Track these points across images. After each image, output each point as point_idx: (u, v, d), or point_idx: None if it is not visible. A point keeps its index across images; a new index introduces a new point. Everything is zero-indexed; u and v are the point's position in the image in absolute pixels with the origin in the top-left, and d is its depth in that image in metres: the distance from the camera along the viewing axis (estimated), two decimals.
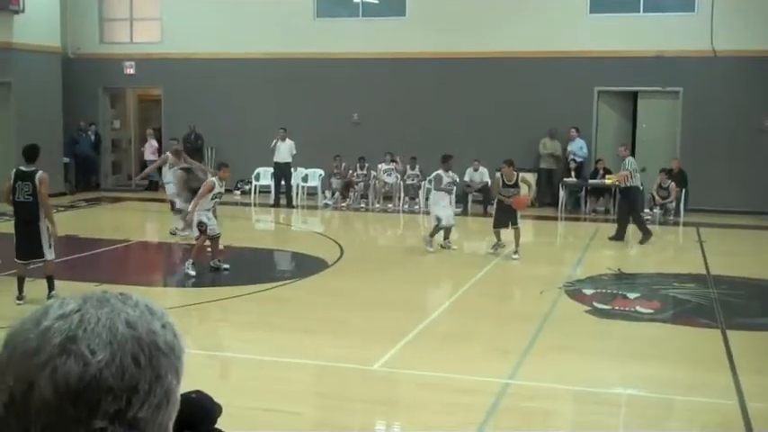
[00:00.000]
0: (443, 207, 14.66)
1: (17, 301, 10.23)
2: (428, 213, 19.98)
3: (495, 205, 14.81)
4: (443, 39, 20.94)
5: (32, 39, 20.77)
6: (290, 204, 20.70)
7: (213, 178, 12.67)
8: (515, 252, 14.07)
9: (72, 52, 23.26)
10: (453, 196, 15.07)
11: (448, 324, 10.34)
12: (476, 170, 20.12)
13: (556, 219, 19.45)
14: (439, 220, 14.53)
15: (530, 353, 8.82)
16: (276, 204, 20.70)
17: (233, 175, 22.52)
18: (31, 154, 10.39)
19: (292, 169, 20.93)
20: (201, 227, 12.38)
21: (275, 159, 20.65)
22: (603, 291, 11.96)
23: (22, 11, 20.37)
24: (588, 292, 11.82)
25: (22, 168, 10.44)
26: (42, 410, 1.06)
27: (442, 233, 14.78)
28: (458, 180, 15.68)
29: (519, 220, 14.28)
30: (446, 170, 14.85)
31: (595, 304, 11.06)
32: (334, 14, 22.38)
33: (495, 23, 20.75)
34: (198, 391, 1.47)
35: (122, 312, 1.12)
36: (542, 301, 11.15)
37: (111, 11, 24.16)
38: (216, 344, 9.44)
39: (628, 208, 16.05)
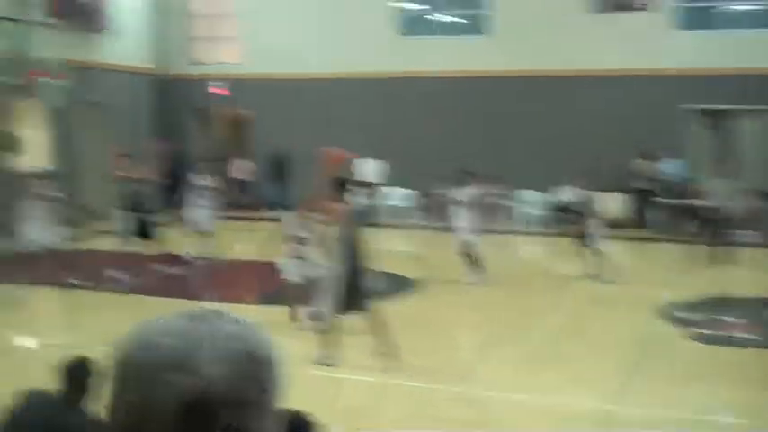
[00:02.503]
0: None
1: None
2: (509, 233, 19.77)
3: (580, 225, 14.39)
4: (527, 57, 20.70)
5: (123, 59, 21.19)
6: (374, 224, 20.59)
7: None
8: (604, 274, 13.68)
9: (162, 72, 23.66)
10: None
11: (541, 346, 10.05)
12: (566, 190, 19.72)
13: (649, 240, 18.91)
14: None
15: (631, 378, 8.50)
16: (365, 224, 20.61)
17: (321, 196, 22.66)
18: None
19: (378, 188, 20.87)
20: None
21: (362, 179, 20.60)
22: (703, 315, 11.51)
23: (112, 31, 20.80)
24: (687, 316, 11.39)
25: None
26: (160, 425, 1.10)
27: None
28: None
29: (600, 241, 13.89)
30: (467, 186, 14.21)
31: (695, 329, 10.65)
32: (417, 33, 22.33)
33: (580, 41, 20.42)
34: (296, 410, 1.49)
35: (225, 327, 1.16)
36: (639, 325, 10.78)
37: (198, 31, 24.55)
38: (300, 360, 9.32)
39: (717, 229, 15.53)
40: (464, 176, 14.15)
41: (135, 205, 14.05)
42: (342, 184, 9.37)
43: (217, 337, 1.14)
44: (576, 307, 12.26)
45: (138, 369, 1.12)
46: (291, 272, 10.59)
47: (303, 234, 10.62)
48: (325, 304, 8.96)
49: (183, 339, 1.13)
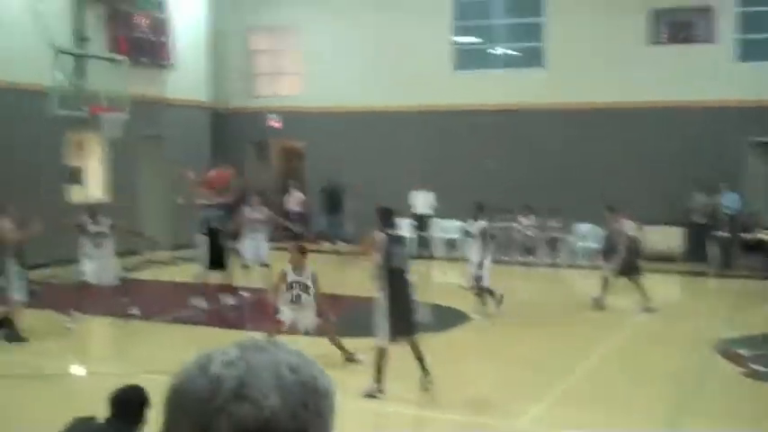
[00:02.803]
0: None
1: None
2: (570, 266, 19.60)
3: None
4: (584, 90, 20.61)
5: (183, 93, 21.65)
6: (429, 256, 20.61)
7: None
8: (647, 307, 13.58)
9: (220, 106, 24.09)
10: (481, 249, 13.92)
11: (593, 382, 9.92)
12: (620, 224, 19.48)
13: (706, 275, 18.58)
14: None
15: (682, 414, 8.35)
16: (416, 256, 20.65)
17: (371, 225, 22.79)
18: None
19: (431, 220, 20.88)
20: None
21: (414, 211, 20.65)
22: (759, 351, 11.25)
23: (173, 66, 21.29)
24: (744, 352, 11.14)
25: None
26: None
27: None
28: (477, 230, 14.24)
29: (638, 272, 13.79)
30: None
31: (752, 366, 10.41)
32: (473, 67, 22.39)
33: (638, 73, 20.25)
34: None
35: (284, 358, 1.17)
36: (693, 361, 10.59)
37: (257, 66, 24.97)
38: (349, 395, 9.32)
39: None
40: (476, 209, 14.02)
41: (212, 233, 13.99)
42: (386, 215, 9.41)
43: (277, 368, 1.15)
44: (629, 341, 12.08)
45: (199, 400, 1.13)
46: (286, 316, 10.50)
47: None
48: (377, 334, 8.96)
49: (244, 370, 1.14)
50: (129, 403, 5.07)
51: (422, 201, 20.67)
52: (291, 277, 10.39)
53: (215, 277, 14.14)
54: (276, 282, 10.73)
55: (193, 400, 1.14)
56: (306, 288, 10.36)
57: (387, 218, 9.39)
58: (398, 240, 9.42)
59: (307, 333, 10.30)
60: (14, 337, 11.29)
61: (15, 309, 11.36)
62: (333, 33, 23.16)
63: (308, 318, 10.42)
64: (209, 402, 1.12)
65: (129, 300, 12.67)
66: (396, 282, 8.91)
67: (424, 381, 8.92)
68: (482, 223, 13.99)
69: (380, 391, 8.81)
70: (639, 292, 13.87)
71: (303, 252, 10.59)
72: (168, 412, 1.17)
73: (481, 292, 13.65)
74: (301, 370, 1.17)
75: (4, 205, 11.58)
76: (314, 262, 10.86)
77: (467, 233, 13.85)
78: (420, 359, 8.95)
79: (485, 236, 13.85)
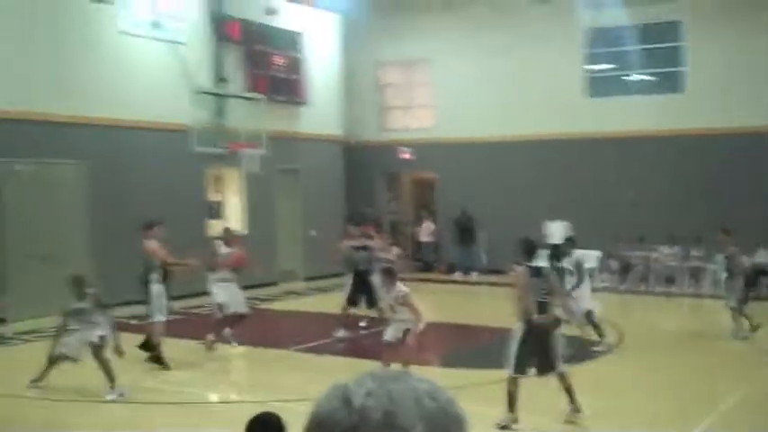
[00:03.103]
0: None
1: None
2: (712, 296, 18.84)
3: None
4: (724, 114, 19.83)
5: (317, 128, 22.13)
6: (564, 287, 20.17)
7: None
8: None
9: (353, 140, 24.47)
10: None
11: (740, 418, 9.41)
12: (761, 252, 18.62)
13: None
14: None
15: None
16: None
17: (505, 256, 22.61)
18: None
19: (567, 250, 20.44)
20: None
21: (548, 241, 20.29)
22: None
23: (308, 103, 21.82)
24: None
25: None
26: None
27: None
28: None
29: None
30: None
31: None
32: (607, 93, 21.95)
33: None
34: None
35: (420, 386, 1.19)
36: None
37: (389, 100, 25.28)
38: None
39: None
40: (567, 246, 13.60)
41: (359, 274, 14.21)
42: (528, 247, 9.32)
43: (417, 397, 1.17)
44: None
45: (346, 430, 1.15)
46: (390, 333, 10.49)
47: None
48: (507, 365, 8.84)
49: (388, 400, 1.15)
50: (265, 429, 5.08)
51: (557, 230, 20.30)
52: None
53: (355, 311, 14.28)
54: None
55: None
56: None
57: (529, 250, 9.32)
58: (539, 273, 9.26)
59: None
60: (157, 360, 11.63)
61: (156, 329, 11.67)
62: (463, 65, 23.19)
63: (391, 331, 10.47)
64: None
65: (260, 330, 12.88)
66: (534, 313, 8.79)
67: (570, 413, 8.77)
68: (575, 257, 13.63)
69: (515, 421, 8.66)
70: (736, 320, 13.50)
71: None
72: None
73: (592, 323, 13.18)
74: (437, 397, 1.19)
75: (151, 224, 11.85)
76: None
77: (566, 270, 13.21)
78: (568, 391, 8.81)
79: (579, 268, 13.46)
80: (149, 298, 11.57)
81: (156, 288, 11.60)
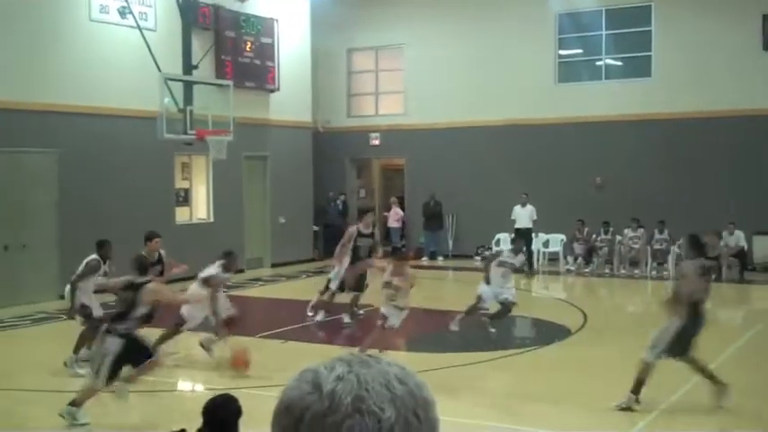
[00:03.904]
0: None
1: None
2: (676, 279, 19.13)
3: None
4: (691, 99, 20.09)
5: (286, 115, 22.12)
6: (530, 270, 20.42)
7: None
8: None
9: (322, 126, 24.49)
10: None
11: (704, 397, 9.62)
12: (731, 234, 18.98)
13: None
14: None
15: None
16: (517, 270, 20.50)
17: (474, 241, 22.87)
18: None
19: (533, 235, 20.70)
20: None
21: (516, 225, 20.52)
22: None
23: (278, 90, 21.79)
24: None
25: None
26: None
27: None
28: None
29: None
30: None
31: None
32: (575, 79, 22.15)
33: (748, 81, 19.64)
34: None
35: (390, 370, 1.21)
36: None
37: (358, 87, 25.34)
38: (457, 410, 9.32)
39: None
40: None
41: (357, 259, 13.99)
42: (696, 243, 9.58)
43: (387, 380, 1.18)
44: (741, 354, 11.71)
45: (316, 415, 1.16)
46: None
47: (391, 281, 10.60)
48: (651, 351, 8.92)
49: (357, 384, 1.17)
50: (221, 413, 5.10)
51: (525, 215, 20.52)
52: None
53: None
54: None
55: (310, 417, 1.16)
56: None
57: (697, 246, 9.63)
58: (708, 271, 9.53)
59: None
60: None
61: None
62: (433, 51, 23.26)
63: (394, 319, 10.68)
64: (327, 418, 1.15)
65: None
66: (694, 311, 8.94)
67: (718, 392, 8.81)
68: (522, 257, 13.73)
69: (638, 402, 8.73)
70: None
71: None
72: (281, 429, 1.19)
73: None
74: (408, 380, 1.20)
75: (151, 236, 11.41)
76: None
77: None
78: (702, 371, 8.98)
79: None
80: None
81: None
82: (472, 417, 8.81)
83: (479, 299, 12.51)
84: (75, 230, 16.35)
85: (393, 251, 13.40)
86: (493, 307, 12.54)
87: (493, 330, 12.50)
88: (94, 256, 10.70)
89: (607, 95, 21.23)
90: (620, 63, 22.06)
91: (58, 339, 11.98)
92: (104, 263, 10.78)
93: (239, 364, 10.29)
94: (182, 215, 19.78)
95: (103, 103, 17.23)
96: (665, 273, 19.50)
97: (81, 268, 10.77)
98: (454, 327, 12.41)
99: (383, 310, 10.71)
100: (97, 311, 10.69)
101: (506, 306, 12.55)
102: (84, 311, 10.59)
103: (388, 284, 10.64)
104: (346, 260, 13.91)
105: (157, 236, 11.39)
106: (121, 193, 17.66)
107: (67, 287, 10.86)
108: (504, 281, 12.61)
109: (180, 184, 19.95)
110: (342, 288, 13.92)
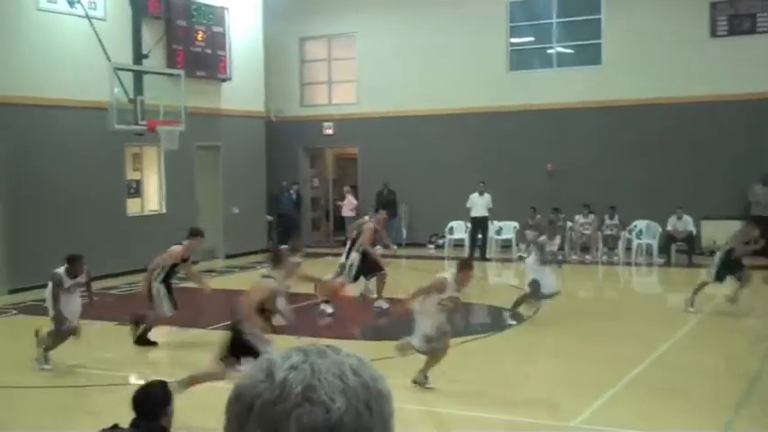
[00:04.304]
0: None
1: None
2: (627, 264, 19.46)
3: None
4: (640, 85, 20.36)
5: (238, 104, 21.99)
6: (483, 257, 20.57)
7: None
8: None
9: (274, 115, 24.38)
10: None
11: (651, 380, 9.81)
12: (679, 218, 19.30)
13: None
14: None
15: (743, 412, 8.24)
16: (471, 258, 20.62)
17: (427, 229, 22.96)
18: None
19: (489, 222, 20.86)
20: None
21: (472, 214, 20.65)
22: None
23: (230, 79, 21.65)
24: None
25: None
26: None
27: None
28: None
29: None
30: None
31: None
32: (527, 67, 22.32)
33: (697, 68, 19.94)
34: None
35: (345, 361, 1.20)
36: (756, 357, 10.42)
37: (310, 76, 25.26)
38: (405, 397, 9.37)
39: None
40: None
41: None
42: None
43: (341, 371, 1.18)
44: (689, 337, 11.94)
45: (266, 404, 1.15)
46: None
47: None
48: None
49: (310, 374, 1.16)
50: (152, 400, 5.08)
51: (481, 203, 20.64)
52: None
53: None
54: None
55: (261, 404, 1.16)
56: None
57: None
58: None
59: None
60: (146, 341, 11.65)
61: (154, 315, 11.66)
62: (386, 39, 23.27)
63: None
64: (277, 406, 1.14)
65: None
66: None
67: None
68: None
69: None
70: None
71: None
72: (233, 416, 1.19)
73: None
74: (362, 372, 1.20)
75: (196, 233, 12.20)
76: None
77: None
78: None
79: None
80: (152, 297, 11.50)
81: (156, 287, 11.52)
82: (409, 402, 8.90)
83: (536, 283, 12.79)
84: (25, 223, 16.11)
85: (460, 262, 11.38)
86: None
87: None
88: (61, 269, 10.40)
89: (558, 83, 21.43)
90: (570, 51, 22.26)
91: (6, 334, 11.82)
92: (74, 278, 10.45)
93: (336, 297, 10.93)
94: (133, 207, 19.56)
95: (52, 94, 16.96)
96: (615, 258, 19.80)
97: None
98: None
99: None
100: (72, 322, 10.52)
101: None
102: (58, 318, 10.39)
103: (452, 299, 9.19)
104: (354, 255, 14.31)
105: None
106: (72, 184, 17.42)
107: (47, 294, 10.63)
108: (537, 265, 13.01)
109: (131, 175, 19.73)
110: (356, 277, 14.29)
